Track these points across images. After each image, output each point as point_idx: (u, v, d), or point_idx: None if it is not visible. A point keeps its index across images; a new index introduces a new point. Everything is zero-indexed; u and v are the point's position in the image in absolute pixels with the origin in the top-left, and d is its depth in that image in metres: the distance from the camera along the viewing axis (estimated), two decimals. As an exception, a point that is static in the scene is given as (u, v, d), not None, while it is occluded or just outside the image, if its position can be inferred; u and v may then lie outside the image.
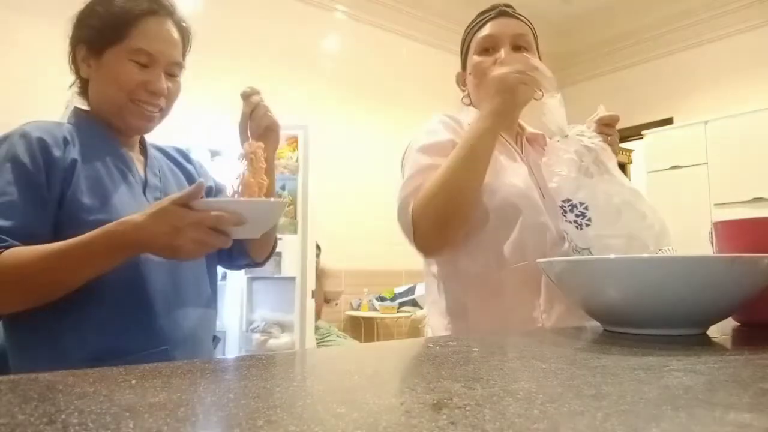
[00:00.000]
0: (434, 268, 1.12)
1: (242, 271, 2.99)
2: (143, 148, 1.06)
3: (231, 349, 3.03)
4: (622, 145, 4.11)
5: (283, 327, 3.02)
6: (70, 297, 0.80)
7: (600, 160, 0.98)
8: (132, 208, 0.87)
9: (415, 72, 4.75)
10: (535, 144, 1.21)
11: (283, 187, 3.03)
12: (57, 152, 0.86)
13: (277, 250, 1.23)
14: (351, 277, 4.25)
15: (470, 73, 1.16)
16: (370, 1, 4.59)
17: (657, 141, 4.58)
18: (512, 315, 1.02)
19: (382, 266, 4.21)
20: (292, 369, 0.51)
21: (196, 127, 3.06)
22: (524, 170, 1.11)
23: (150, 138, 1.08)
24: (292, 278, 3.00)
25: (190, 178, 1.09)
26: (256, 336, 2.97)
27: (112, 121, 0.97)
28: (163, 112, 0.99)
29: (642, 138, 4.69)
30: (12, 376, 0.40)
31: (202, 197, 0.79)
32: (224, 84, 2.92)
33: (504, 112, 0.99)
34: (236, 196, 0.87)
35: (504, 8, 1.16)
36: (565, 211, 0.98)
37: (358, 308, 4.27)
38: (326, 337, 3.49)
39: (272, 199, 0.94)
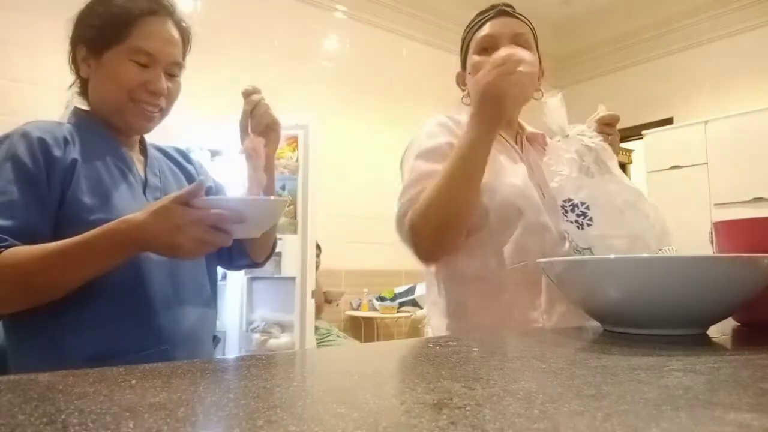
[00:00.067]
0: (434, 269, 1.12)
1: (242, 271, 2.98)
2: (143, 148, 1.06)
3: (231, 349, 3.03)
4: (622, 145, 4.11)
5: (283, 327, 3.02)
6: (70, 296, 0.80)
7: (601, 159, 0.98)
8: (132, 208, 0.87)
9: (415, 72, 4.75)
10: (535, 143, 1.21)
11: (283, 187, 3.03)
12: (57, 152, 0.87)
13: (277, 250, 1.23)
14: (351, 277, 4.25)
15: (470, 73, 1.16)
16: (370, 1, 4.59)
17: (657, 141, 4.58)
18: (513, 315, 1.02)
19: (382, 266, 4.21)
20: (292, 369, 0.51)
21: (196, 127, 3.06)
22: (524, 170, 1.11)
23: (150, 138, 1.08)
24: (292, 278, 3.00)
25: (190, 178, 1.09)
26: (256, 336, 2.97)
27: (112, 121, 0.97)
28: (163, 112, 0.99)
29: (642, 138, 4.69)
30: (12, 376, 0.40)
31: (202, 196, 0.80)
32: (224, 84, 2.92)
33: (492, 120, 0.97)
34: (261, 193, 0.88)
35: (503, 8, 1.16)
36: (566, 211, 0.98)
37: (358, 308, 4.27)
38: (326, 337, 3.49)
39: (272, 198, 0.94)
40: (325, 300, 3.85)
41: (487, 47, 1.13)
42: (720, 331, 0.67)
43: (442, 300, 1.09)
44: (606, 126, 1.07)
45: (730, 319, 0.70)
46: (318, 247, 3.49)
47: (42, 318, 0.83)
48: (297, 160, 3.10)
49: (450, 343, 0.58)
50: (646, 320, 0.61)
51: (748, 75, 4.59)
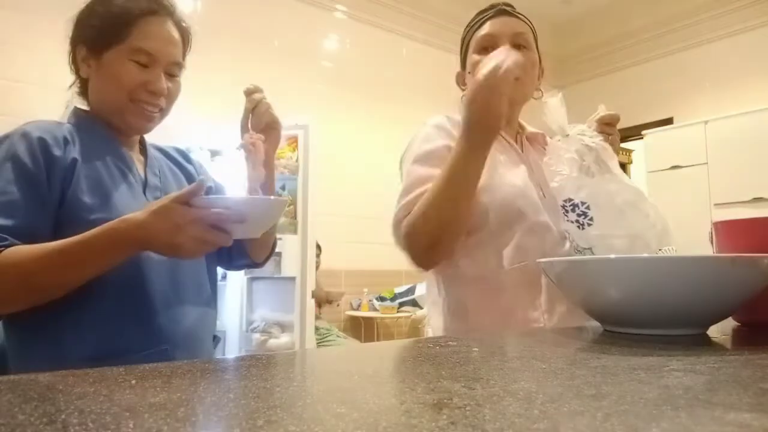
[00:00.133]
0: (435, 269, 1.12)
1: (242, 271, 2.98)
2: (143, 148, 1.06)
3: (231, 349, 3.03)
4: (622, 145, 4.11)
5: (283, 327, 3.02)
6: (70, 296, 0.80)
7: (601, 159, 0.98)
8: (132, 208, 0.87)
9: (415, 72, 4.75)
10: (535, 143, 1.21)
11: (283, 187, 3.03)
12: (57, 151, 0.87)
13: (277, 250, 1.23)
14: (351, 277, 4.25)
15: (470, 72, 1.16)
16: (370, 1, 4.59)
17: (657, 141, 4.59)
18: (513, 315, 1.02)
19: (382, 266, 4.21)
20: (292, 369, 0.51)
21: (196, 127, 3.06)
22: (524, 169, 1.11)
23: (150, 138, 1.08)
24: (292, 278, 3.00)
25: (189, 178, 1.09)
26: (256, 336, 2.97)
27: (113, 121, 0.97)
28: (163, 112, 0.99)
29: (642, 138, 4.70)
30: (12, 376, 0.40)
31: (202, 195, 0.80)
32: (224, 84, 2.92)
33: (483, 139, 0.94)
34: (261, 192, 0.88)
35: (503, 7, 1.16)
36: (567, 211, 0.98)
37: (358, 308, 4.27)
38: (326, 337, 3.49)
39: (273, 197, 0.95)
40: (325, 300, 3.85)
41: (487, 46, 1.13)
42: (720, 331, 0.67)
43: (443, 300, 1.09)
44: (606, 126, 1.07)
45: (730, 319, 0.70)
46: (318, 247, 3.49)
47: (42, 318, 0.83)
48: (297, 160, 3.10)
49: (450, 343, 0.58)
50: (646, 320, 0.61)
51: (748, 75, 4.59)
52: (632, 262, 0.61)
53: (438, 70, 4.25)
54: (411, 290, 4.20)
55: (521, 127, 1.23)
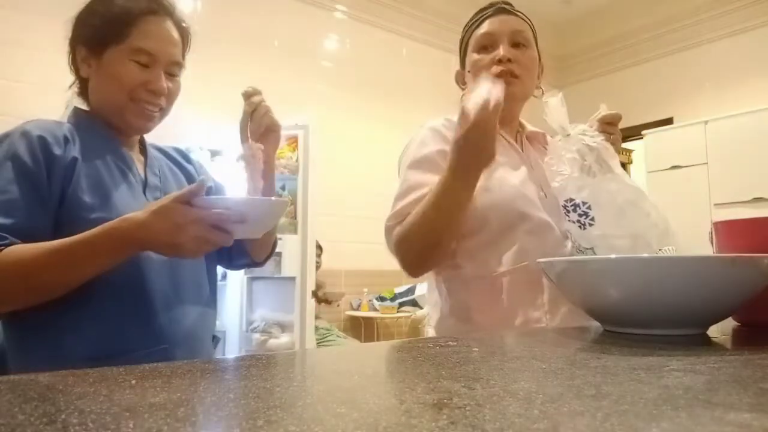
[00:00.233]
0: (436, 270, 1.12)
1: (242, 271, 2.99)
2: (143, 147, 1.06)
3: (231, 349, 3.03)
4: (622, 145, 4.11)
5: (283, 327, 3.02)
6: (70, 295, 0.80)
7: (602, 159, 0.98)
8: (132, 207, 0.87)
9: (415, 72, 4.75)
10: (536, 142, 1.21)
11: (283, 187, 3.03)
12: (57, 150, 0.87)
13: (277, 250, 1.23)
14: (351, 277, 4.25)
15: (469, 71, 1.16)
16: (370, 1, 4.59)
17: (657, 141, 4.58)
18: (515, 316, 1.01)
19: (382, 266, 4.20)
20: (292, 369, 0.51)
21: (196, 127, 3.06)
22: (524, 170, 1.11)
23: (150, 138, 1.08)
24: (292, 278, 3.00)
25: (189, 178, 1.09)
26: (256, 336, 2.97)
27: (113, 121, 0.97)
28: (164, 111, 0.99)
29: (642, 138, 4.69)
30: (12, 376, 0.40)
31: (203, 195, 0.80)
32: (224, 84, 2.92)
33: (474, 169, 0.92)
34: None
35: (502, 5, 1.16)
36: (568, 211, 0.98)
37: (358, 308, 4.27)
38: (326, 337, 3.49)
39: (274, 198, 0.95)
40: (325, 300, 3.85)
41: (487, 45, 1.13)
42: (720, 331, 0.67)
43: (444, 301, 1.09)
44: (608, 125, 1.07)
45: (730, 319, 0.70)
46: (319, 247, 3.49)
47: (42, 318, 0.83)
48: (297, 160, 3.09)
49: (450, 343, 0.58)
50: (646, 320, 0.61)
51: (748, 75, 4.59)
52: (632, 262, 0.61)
53: (438, 70, 4.26)
54: (411, 290, 4.20)
55: (521, 126, 1.23)
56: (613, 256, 0.74)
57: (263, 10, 4.03)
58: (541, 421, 0.28)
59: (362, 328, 4.24)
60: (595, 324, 0.70)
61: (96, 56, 0.94)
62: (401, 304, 4.20)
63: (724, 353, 0.52)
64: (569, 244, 1.02)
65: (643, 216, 0.94)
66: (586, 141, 0.99)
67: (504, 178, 1.06)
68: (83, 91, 0.99)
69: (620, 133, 1.11)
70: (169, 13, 0.98)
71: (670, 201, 4.04)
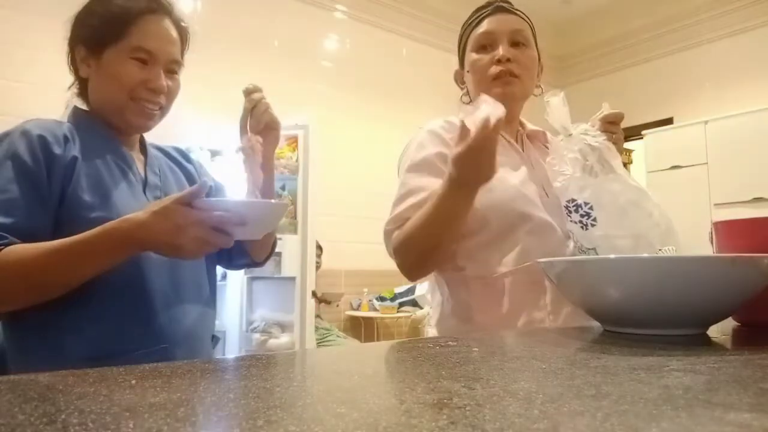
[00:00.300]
0: (438, 271, 1.12)
1: (242, 271, 2.98)
2: (143, 147, 1.06)
3: (231, 349, 3.03)
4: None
5: (283, 327, 3.02)
6: (70, 295, 0.80)
7: (604, 158, 0.97)
8: (132, 207, 0.87)
9: (416, 72, 4.75)
10: (536, 141, 1.21)
11: (283, 187, 3.03)
12: (57, 149, 0.87)
13: (277, 250, 1.23)
14: (351, 277, 4.25)
15: (468, 71, 1.16)
16: (370, 1, 4.59)
17: (657, 141, 4.58)
18: (518, 316, 1.01)
19: (382, 266, 4.20)
20: (292, 369, 0.51)
21: (196, 127, 3.05)
22: (524, 169, 1.11)
23: (150, 137, 1.08)
24: (292, 278, 3.00)
25: (189, 178, 1.09)
26: (256, 336, 2.97)
27: (113, 120, 0.97)
28: (164, 110, 0.99)
29: (642, 138, 4.69)
30: (12, 376, 0.40)
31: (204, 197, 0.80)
32: (224, 84, 2.92)
33: (473, 186, 0.91)
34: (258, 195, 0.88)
35: (501, 4, 1.15)
36: (570, 212, 0.98)
37: (358, 308, 4.27)
38: (326, 337, 3.49)
39: (274, 201, 0.95)
40: (324, 301, 3.85)
41: (486, 44, 1.13)
42: (720, 331, 0.67)
43: (446, 301, 1.09)
44: (610, 124, 1.06)
45: (730, 319, 0.70)
46: (319, 247, 3.49)
47: (42, 317, 0.83)
48: (297, 160, 3.09)
49: (450, 343, 0.58)
50: (646, 320, 0.61)
51: (749, 75, 4.59)
52: (632, 262, 0.61)
53: (438, 70, 4.25)
54: (411, 290, 4.19)
55: (521, 125, 1.22)
56: (612, 256, 0.74)
57: (263, 10, 4.03)
58: (541, 421, 0.28)
59: (362, 328, 4.24)
60: (595, 324, 0.70)
61: (95, 56, 0.94)
62: (401, 304, 4.20)
63: (724, 353, 0.52)
64: (571, 245, 1.02)
65: (646, 216, 0.94)
66: (588, 141, 0.98)
67: (504, 178, 1.06)
68: (83, 92, 1.00)
69: (623, 132, 1.10)
70: (168, 12, 0.98)
71: (670, 201, 4.01)
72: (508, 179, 1.06)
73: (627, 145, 5.26)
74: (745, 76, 4.61)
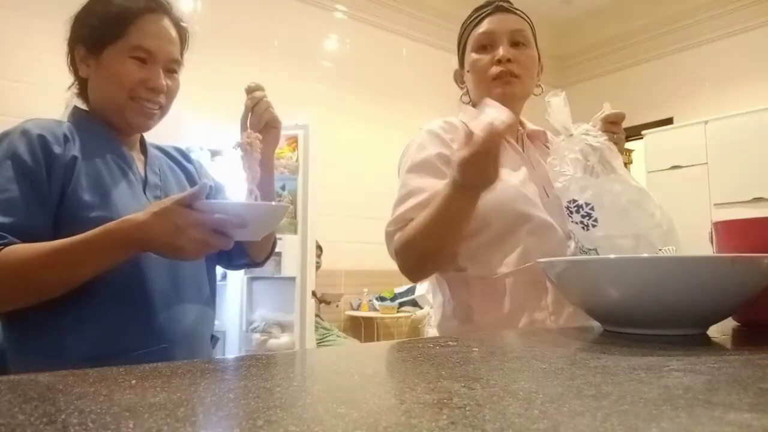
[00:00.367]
0: (439, 271, 1.12)
1: (242, 271, 2.98)
2: (143, 147, 1.06)
3: (231, 349, 3.03)
4: (622, 145, 4.10)
5: (283, 327, 3.02)
6: (69, 295, 0.80)
7: (605, 159, 0.97)
8: (132, 206, 0.87)
9: (415, 72, 4.75)
10: (536, 141, 1.21)
11: (283, 187, 3.03)
12: (57, 149, 0.87)
13: (277, 250, 1.23)
14: (351, 277, 4.25)
15: (468, 71, 1.16)
16: (370, 1, 4.59)
17: (657, 141, 4.58)
18: (519, 317, 1.01)
19: (382, 266, 4.20)
20: (292, 369, 0.51)
21: (196, 127, 3.06)
22: (524, 169, 1.11)
23: (150, 138, 1.08)
24: (292, 278, 3.00)
25: (190, 178, 1.09)
26: (256, 336, 2.97)
27: (113, 120, 0.97)
28: (163, 109, 0.99)
29: (642, 138, 4.69)
30: (12, 376, 0.40)
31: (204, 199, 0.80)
32: (224, 84, 2.92)
33: (477, 189, 0.91)
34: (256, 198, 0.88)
35: (501, 3, 1.15)
36: (571, 212, 0.98)
37: (358, 308, 4.27)
38: (326, 337, 3.49)
39: (274, 203, 0.95)
40: (323, 301, 3.85)
41: (486, 44, 1.12)
42: (720, 331, 0.67)
43: (447, 302, 1.09)
44: (611, 124, 1.06)
45: (730, 319, 0.70)
46: (319, 248, 3.49)
47: (42, 317, 0.83)
48: (297, 160, 3.10)
49: (450, 343, 0.58)
50: (646, 320, 0.61)
51: (748, 75, 4.59)
52: (632, 262, 0.61)
53: (438, 70, 4.25)
54: (411, 290, 4.19)
55: (522, 124, 1.22)
56: (612, 256, 0.74)
57: (263, 10, 4.03)
58: (541, 421, 0.28)
59: (362, 328, 4.24)
60: (595, 324, 0.70)
61: (95, 56, 0.94)
62: (401, 304, 4.20)
63: (724, 353, 0.52)
64: (572, 245, 1.02)
65: (647, 217, 0.94)
66: (589, 141, 0.98)
67: (504, 179, 1.06)
68: (83, 92, 1.00)
69: (624, 132, 1.10)
70: (167, 11, 0.98)
71: (670, 201, 3.99)
72: (509, 179, 1.06)
73: (627, 144, 5.24)
74: (745, 76, 4.61)
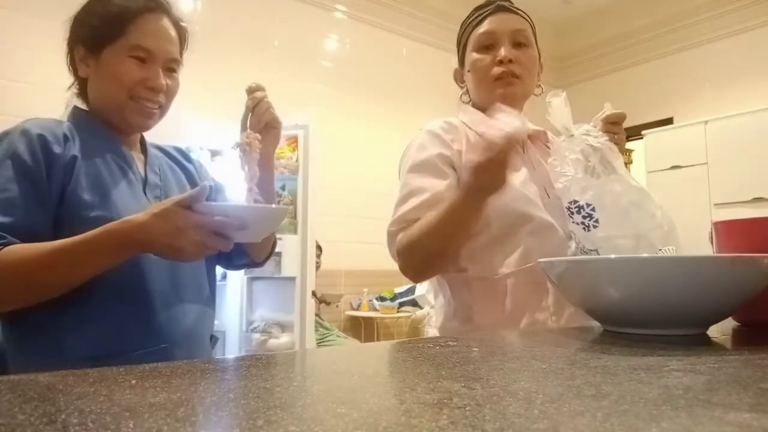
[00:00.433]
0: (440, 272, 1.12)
1: (242, 271, 2.98)
2: (143, 146, 1.06)
3: (231, 349, 3.03)
4: (622, 145, 4.09)
5: (283, 327, 3.02)
6: (69, 295, 0.80)
7: (606, 159, 0.97)
8: (132, 206, 0.87)
9: (415, 72, 4.75)
10: (537, 141, 1.20)
11: (283, 187, 3.03)
12: (57, 149, 0.87)
13: (277, 250, 1.23)
14: (351, 277, 4.25)
15: (469, 70, 1.16)
16: (370, 1, 4.59)
17: (657, 141, 4.58)
18: (520, 318, 1.01)
19: (382, 266, 4.20)
20: (292, 369, 0.51)
21: (196, 127, 3.06)
22: (525, 170, 1.10)
23: (150, 138, 1.08)
24: (292, 278, 3.00)
25: (189, 178, 1.09)
26: (256, 336, 2.97)
27: (113, 119, 0.97)
28: (163, 108, 0.99)
29: (642, 138, 4.69)
30: (12, 376, 0.40)
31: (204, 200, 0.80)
32: (224, 84, 2.92)
33: (486, 194, 0.92)
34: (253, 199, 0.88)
35: (502, 3, 1.15)
36: (572, 213, 0.98)
37: (358, 308, 4.27)
38: (326, 337, 3.49)
39: (274, 206, 0.95)
40: (323, 301, 3.85)
41: (487, 45, 1.12)
42: (720, 331, 0.67)
43: (448, 303, 1.09)
44: (612, 125, 1.05)
45: (730, 319, 0.70)
46: (319, 248, 3.49)
47: (41, 317, 0.83)
48: (297, 160, 3.10)
49: (450, 343, 0.58)
50: (646, 320, 0.61)
51: (748, 75, 4.59)
52: (632, 262, 0.61)
53: (438, 70, 4.25)
54: (411, 290, 4.19)
55: (522, 125, 1.22)
56: (612, 256, 0.74)
57: (263, 10, 4.03)
58: (541, 421, 0.28)
59: (362, 328, 4.24)
60: (596, 324, 0.70)
61: (94, 56, 0.94)
62: (401, 304, 4.20)
63: (724, 353, 0.52)
64: (573, 245, 1.02)
65: (648, 217, 0.94)
66: (589, 141, 0.98)
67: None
68: (82, 91, 1.00)
69: (625, 132, 1.10)
70: (166, 11, 0.98)
71: (670, 201, 3.99)
72: (510, 180, 1.06)
73: (627, 145, 5.24)
74: (744, 76, 4.61)
